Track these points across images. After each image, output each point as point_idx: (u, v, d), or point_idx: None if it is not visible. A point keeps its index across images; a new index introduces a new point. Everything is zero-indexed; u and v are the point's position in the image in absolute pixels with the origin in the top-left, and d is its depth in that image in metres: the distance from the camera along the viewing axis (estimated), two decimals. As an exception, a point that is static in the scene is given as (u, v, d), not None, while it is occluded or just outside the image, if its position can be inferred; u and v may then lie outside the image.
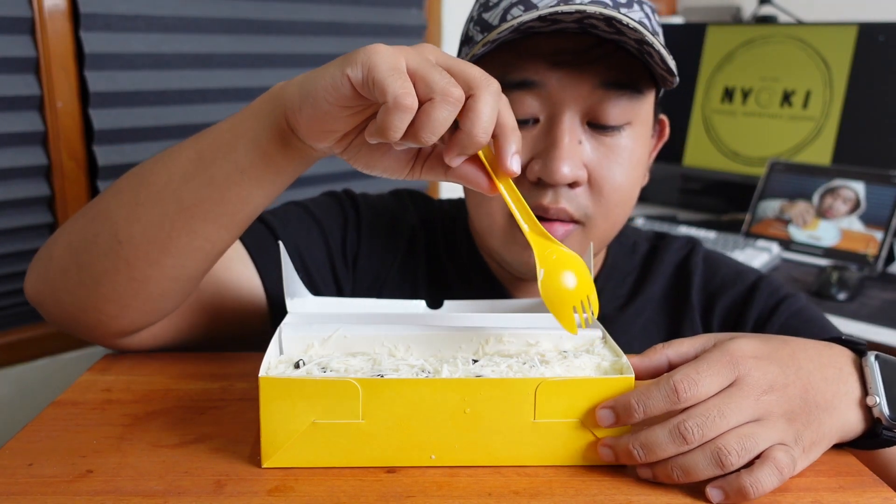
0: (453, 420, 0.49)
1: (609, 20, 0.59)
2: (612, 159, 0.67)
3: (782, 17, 1.88)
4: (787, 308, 0.75)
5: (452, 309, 0.65)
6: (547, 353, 0.55)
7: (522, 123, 0.66)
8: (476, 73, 0.49)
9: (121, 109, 1.18)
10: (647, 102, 0.69)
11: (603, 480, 0.49)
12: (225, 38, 1.28)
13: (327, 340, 0.56)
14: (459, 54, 0.72)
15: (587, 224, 0.69)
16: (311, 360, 0.52)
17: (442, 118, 0.47)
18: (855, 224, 1.46)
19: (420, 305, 0.65)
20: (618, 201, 0.69)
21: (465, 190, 0.72)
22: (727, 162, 1.78)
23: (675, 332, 0.78)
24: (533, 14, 0.60)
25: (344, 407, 0.49)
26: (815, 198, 1.52)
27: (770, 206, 1.58)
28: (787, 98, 1.70)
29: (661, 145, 0.79)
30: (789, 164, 1.60)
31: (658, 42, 0.61)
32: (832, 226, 1.48)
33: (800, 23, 1.75)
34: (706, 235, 1.52)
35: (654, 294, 0.80)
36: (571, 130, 0.66)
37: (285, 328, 0.57)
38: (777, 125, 1.72)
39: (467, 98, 0.48)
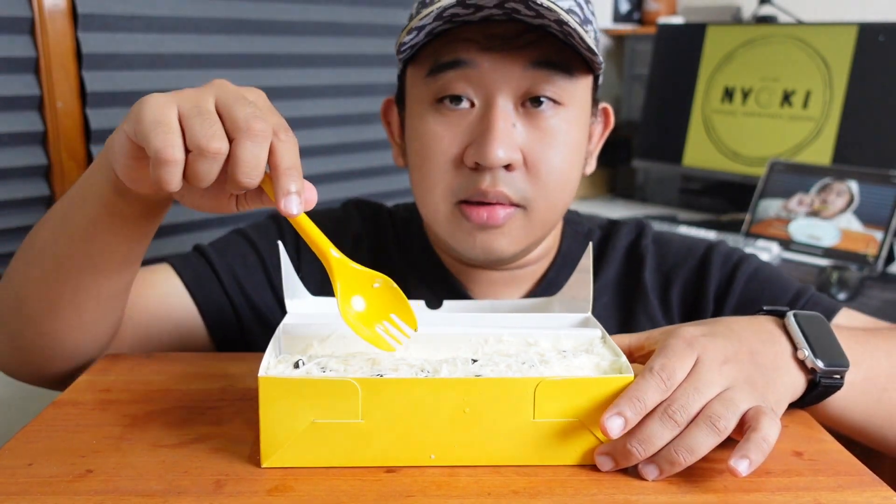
0: (453, 420, 0.49)
1: (527, 3, 0.61)
2: (546, 142, 0.69)
3: (782, 17, 1.88)
4: (742, 273, 0.78)
5: (452, 309, 0.66)
6: (546, 352, 0.55)
7: (457, 104, 0.68)
8: (240, 115, 0.47)
9: (118, 109, 1.17)
10: (581, 87, 0.71)
11: (603, 480, 0.49)
12: (222, 38, 1.28)
13: (327, 340, 0.56)
14: None
15: (528, 207, 0.70)
16: (310, 359, 0.52)
17: (203, 172, 0.47)
18: (854, 224, 1.46)
19: (420, 305, 0.65)
20: (556, 184, 0.70)
21: (413, 186, 0.74)
22: (727, 162, 1.78)
23: (629, 316, 0.80)
24: None
25: (343, 407, 0.49)
26: (811, 196, 1.53)
27: (770, 206, 1.58)
28: (787, 98, 1.70)
29: (607, 133, 0.81)
30: (789, 164, 1.60)
31: (574, 20, 0.63)
32: (831, 225, 1.48)
33: (800, 23, 1.75)
34: (706, 235, 1.52)
35: (609, 279, 0.82)
36: (505, 114, 0.67)
37: (285, 328, 0.57)
38: (777, 125, 1.72)
39: (231, 142, 0.47)
